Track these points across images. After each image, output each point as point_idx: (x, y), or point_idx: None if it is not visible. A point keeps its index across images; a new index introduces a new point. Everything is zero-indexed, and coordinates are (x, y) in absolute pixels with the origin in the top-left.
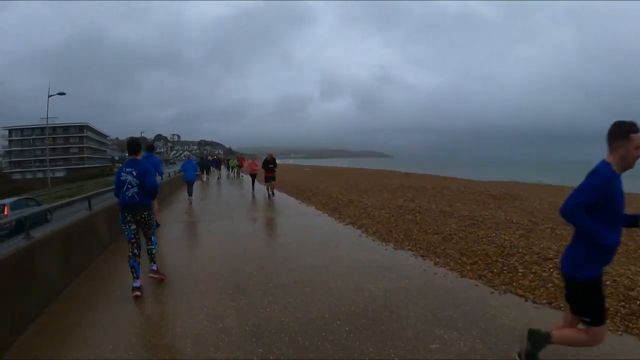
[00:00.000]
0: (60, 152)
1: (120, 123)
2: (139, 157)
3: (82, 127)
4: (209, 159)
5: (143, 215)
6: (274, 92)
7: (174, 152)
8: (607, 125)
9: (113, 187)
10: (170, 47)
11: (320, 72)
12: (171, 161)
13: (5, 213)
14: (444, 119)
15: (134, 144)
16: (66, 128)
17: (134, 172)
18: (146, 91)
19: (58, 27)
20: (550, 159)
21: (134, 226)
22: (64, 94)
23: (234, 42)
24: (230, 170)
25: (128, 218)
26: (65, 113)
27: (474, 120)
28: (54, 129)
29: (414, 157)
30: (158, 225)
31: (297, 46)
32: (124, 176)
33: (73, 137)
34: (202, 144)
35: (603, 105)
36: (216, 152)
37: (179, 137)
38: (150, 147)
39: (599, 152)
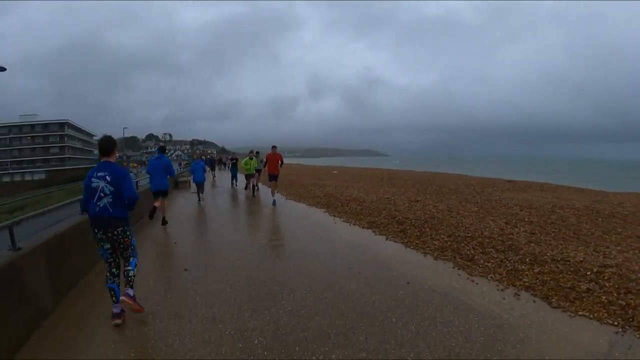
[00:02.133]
0: (40, 152)
1: (113, 123)
2: (112, 159)
3: (62, 125)
4: (202, 159)
5: (117, 232)
6: (265, 93)
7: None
8: (595, 123)
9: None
10: (163, 51)
11: (310, 74)
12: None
13: None
14: (433, 117)
15: (106, 144)
16: (45, 126)
17: (107, 177)
18: (140, 93)
19: (55, 32)
20: (536, 156)
21: (108, 245)
22: (4, 69)
23: (225, 45)
24: (234, 179)
25: (99, 235)
26: (59, 114)
27: (463, 119)
28: (32, 126)
29: (412, 155)
30: (166, 222)
31: (287, 49)
32: (95, 182)
33: (53, 135)
34: (194, 143)
35: (590, 105)
36: (209, 151)
37: (170, 136)
38: (162, 149)
39: (589, 150)
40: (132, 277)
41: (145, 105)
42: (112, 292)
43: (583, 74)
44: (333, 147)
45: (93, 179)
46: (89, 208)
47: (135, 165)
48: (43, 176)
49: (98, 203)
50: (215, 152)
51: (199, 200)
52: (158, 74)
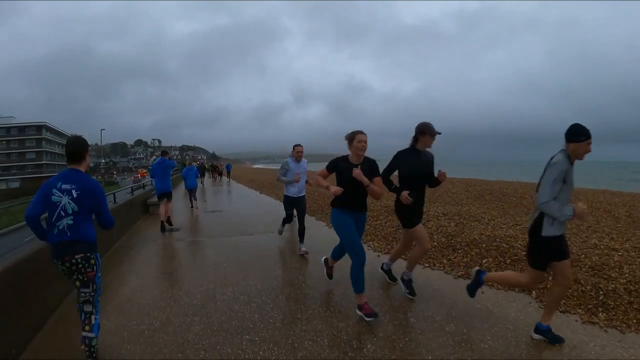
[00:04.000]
0: (16, 158)
1: (104, 129)
2: (83, 168)
3: (39, 128)
4: (195, 165)
5: (76, 259)
6: (253, 100)
7: (154, 157)
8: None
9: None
10: (152, 60)
11: (296, 82)
12: (149, 167)
13: None
14: (416, 122)
15: (75, 146)
16: (21, 129)
17: (73, 192)
18: (129, 100)
19: (46, 41)
20: (524, 159)
21: (72, 278)
22: None
23: (212, 55)
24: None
25: (59, 267)
26: (49, 120)
27: (445, 124)
28: (7, 130)
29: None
30: (170, 224)
31: (273, 58)
32: (56, 196)
33: (29, 139)
34: (184, 148)
35: (570, 106)
36: (199, 157)
37: (159, 142)
38: (164, 153)
39: None
40: (95, 348)
41: (134, 112)
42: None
43: (561, 76)
44: (323, 152)
45: (55, 191)
46: (47, 231)
47: (145, 172)
48: (17, 184)
49: (58, 224)
50: (205, 158)
51: (192, 206)
52: (147, 81)
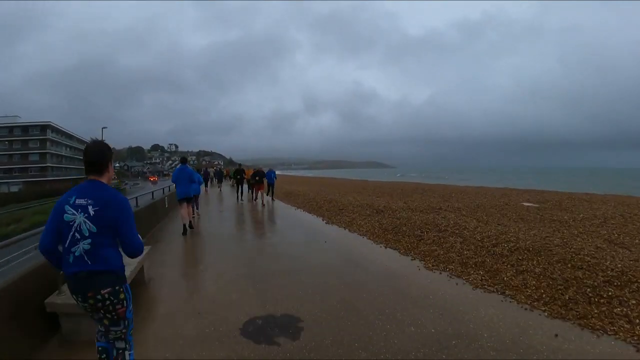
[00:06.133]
0: (18, 160)
1: (120, 134)
2: (105, 180)
3: (43, 128)
4: (208, 172)
5: (102, 296)
6: (267, 109)
7: (170, 162)
8: (588, 131)
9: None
10: (169, 71)
11: (309, 91)
12: (165, 173)
13: None
14: (426, 130)
15: (96, 153)
16: (24, 129)
17: (90, 210)
18: (148, 109)
19: (71, 53)
20: (537, 166)
21: (97, 315)
22: None
23: (226, 66)
24: None
25: (79, 302)
26: (74, 127)
27: (453, 132)
28: (10, 129)
29: (419, 166)
30: (192, 227)
31: (285, 69)
32: (69, 214)
33: (33, 140)
34: (201, 154)
35: (580, 113)
36: (216, 162)
37: (176, 147)
38: (184, 160)
39: (585, 159)
40: None
41: (152, 119)
42: (104, 356)
43: (566, 82)
44: (337, 159)
45: (67, 208)
46: (62, 259)
47: (156, 177)
48: (16, 189)
49: (72, 250)
50: (222, 163)
51: (193, 214)
52: (165, 91)
